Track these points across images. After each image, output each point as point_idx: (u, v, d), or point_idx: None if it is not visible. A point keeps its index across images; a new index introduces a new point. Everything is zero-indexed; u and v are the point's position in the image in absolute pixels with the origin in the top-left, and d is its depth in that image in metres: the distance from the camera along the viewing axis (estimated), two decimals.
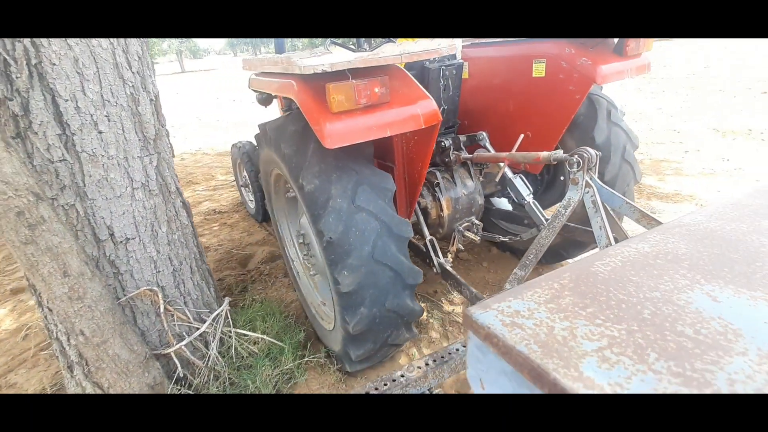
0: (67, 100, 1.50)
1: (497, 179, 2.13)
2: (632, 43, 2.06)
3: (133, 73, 1.66)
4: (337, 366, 2.11)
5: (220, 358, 1.98)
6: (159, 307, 1.82)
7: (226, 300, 2.03)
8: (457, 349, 1.40)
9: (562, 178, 2.84)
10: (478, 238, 2.46)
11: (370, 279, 1.62)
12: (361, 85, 1.36)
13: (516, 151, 2.15)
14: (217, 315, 1.98)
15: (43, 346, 2.53)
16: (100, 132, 1.59)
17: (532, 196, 2.31)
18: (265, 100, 4.39)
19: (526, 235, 2.61)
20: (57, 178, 1.53)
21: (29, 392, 2.16)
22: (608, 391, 0.47)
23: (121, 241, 1.72)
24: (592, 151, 1.62)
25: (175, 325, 1.88)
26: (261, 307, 2.47)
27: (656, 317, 0.58)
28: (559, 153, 1.78)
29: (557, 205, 2.50)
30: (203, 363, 1.93)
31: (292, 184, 1.76)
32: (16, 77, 1.41)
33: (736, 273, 0.68)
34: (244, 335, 2.10)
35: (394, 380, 1.29)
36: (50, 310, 1.69)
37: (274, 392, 1.89)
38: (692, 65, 11.71)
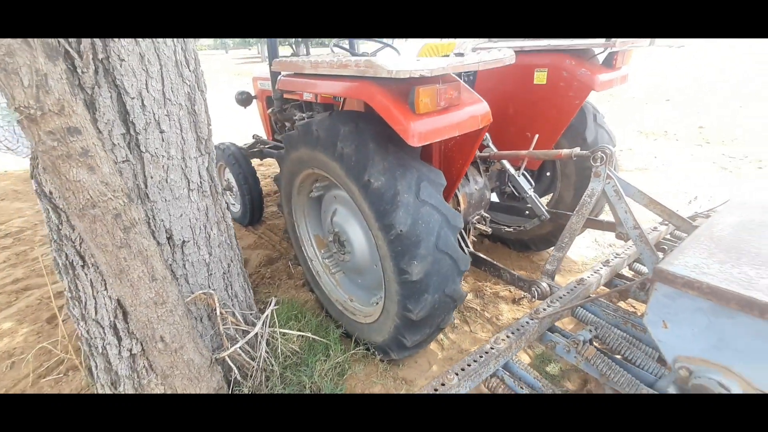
0: (133, 98, 1.43)
1: (530, 171, 2.36)
2: (619, 56, 2.43)
3: (190, 71, 1.62)
4: (379, 357, 2.20)
5: (270, 358, 1.97)
6: (215, 311, 1.78)
7: (273, 300, 2.02)
8: (527, 322, 1.59)
9: (548, 173, 3.20)
10: (489, 229, 2.70)
11: (435, 267, 1.75)
12: (443, 89, 1.50)
13: (518, 150, 2.43)
14: (266, 316, 1.97)
15: (43, 372, 2.27)
16: (162, 131, 1.54)
17: (533, 189, 2.60)
18: (245, 100, 4.29)
19: (529, 224, 2.91)
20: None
21: None
22: None
23: (179, 244, 1.66)
24: (612, 147, 1.91)
25: (229, 328, 1.85)
26: (290, 308, 2.47)
27: None
28: (577, 150, 2.06)
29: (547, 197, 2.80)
30: (255, 364, 1.92)
31: (349, 181, 1.82)
32: (82, 72, 1.33)
33: None
34: (286, 334, 2.11)
35: (486, 352, 1.44)
36: (99, 321, 1.58)
37: (331, 385, 1.94)
38: None
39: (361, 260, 2.26)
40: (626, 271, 2.38)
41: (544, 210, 2.58)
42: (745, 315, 0.73)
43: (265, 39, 3.09)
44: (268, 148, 4.07)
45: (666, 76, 12.60)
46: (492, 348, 1.46)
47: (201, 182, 1.72)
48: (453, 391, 1.29)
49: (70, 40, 1.31)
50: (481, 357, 1.42)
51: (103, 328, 1.62)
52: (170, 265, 1.66)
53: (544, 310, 1.65)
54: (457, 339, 2.50)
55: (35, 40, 0.98)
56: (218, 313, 1.78)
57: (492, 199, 3.36)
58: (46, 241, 4.10)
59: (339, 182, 1.95)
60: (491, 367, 1.43)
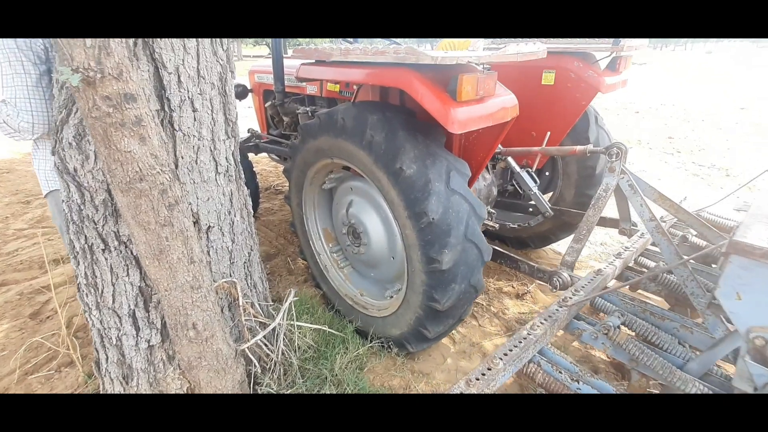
0: (170, 73, 1.37)
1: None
2: (622, 61, 2.55)
3: (223, 50, 1.56)
4: (395, 351, 2.18)
5: (289, 351, 1.91)
6: (236, 301, 1.71)
7: (292, 291, 1.96)
8: (557, 309, 1.63)
9: (547, 173, 3.30)
10: (497, 225, 2.75)
11: (463, 256, 1.76)
12: (483, 78, 1.52)
13: (525, 147, 2.50)
14: (285, 308, 1.91)
15: (30, 369, 2.10)
16: (195, 110, 1.47)
17: (537, 187, 2.67)
18: (241, 94, 4.19)
19: (533, 221, 2.99)
20: None
21: None
22: None
23: (204, 230, 1.59)
24: (625, 145, 2.00)
25: (250, 319, 1.78)
26: (301, 303, 2.40)
27: None
28: (590, 146, 2.15)
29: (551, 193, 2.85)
30: (274, 356, 1.85)
31: (376, 169, 1.80)
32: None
33: None
34: (303, 327, 2.05)
35: (524, 338, 1.46)
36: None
37: (354, 378, 1.90)
38: None
39: (377, 252, 2.24)
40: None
41: (548, 207, 2.65)
42: None
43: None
44: (263, 142, 3.97)
45: (631, 90, 13.34)
46: (529, 334, 1.49)
47: (228, 166, 1.66)
48: (500, 375, 1.30)
49: None
50: (520, 342, 1.44)
51: (120, 318, 1.52)
52: None
53: (570, 298, 1.70)
54: (467, 333, 2.52)
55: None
56: (240, 303, 1.71)
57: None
58: (20, 236, 3.82)
59: (364, 171, 1.93)
60: (530, 353, 1.45)
